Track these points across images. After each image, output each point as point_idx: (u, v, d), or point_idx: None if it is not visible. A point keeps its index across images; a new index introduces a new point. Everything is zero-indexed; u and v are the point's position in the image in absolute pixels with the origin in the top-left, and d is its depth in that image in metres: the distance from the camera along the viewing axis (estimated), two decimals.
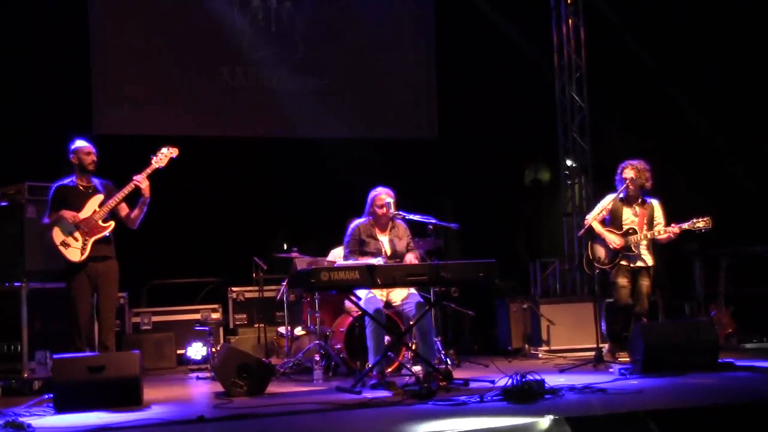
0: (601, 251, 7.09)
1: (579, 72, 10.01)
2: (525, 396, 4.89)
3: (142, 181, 6.16)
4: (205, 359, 7.95)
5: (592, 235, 7.10)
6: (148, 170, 6.22)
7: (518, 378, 5.00)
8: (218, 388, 6.13)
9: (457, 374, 6.12)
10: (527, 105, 10.16)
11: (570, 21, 10.03)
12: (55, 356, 5.57)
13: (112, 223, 6.20)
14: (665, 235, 6.85)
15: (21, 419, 4.83)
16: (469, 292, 7.93)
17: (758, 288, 8.40)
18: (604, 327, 7.62)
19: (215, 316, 8.58)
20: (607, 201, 7.09)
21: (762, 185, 8.83)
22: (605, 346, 7.17)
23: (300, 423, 4.73)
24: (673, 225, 6.85)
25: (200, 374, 7.46)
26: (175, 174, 6.50)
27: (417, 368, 6.23)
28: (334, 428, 4.62)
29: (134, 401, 5.39)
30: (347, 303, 6.68)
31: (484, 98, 10.13)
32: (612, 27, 9.84)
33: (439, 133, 10.46)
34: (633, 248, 6.96)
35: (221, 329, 8.57)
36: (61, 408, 5.28)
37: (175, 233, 9.02)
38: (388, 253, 6.44)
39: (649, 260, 6.99)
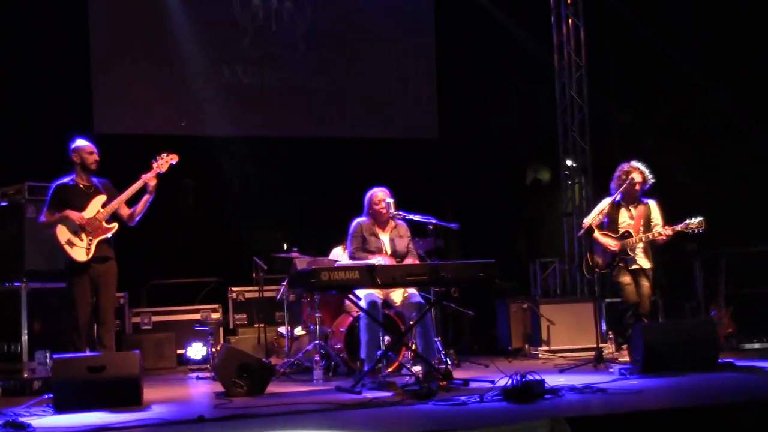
0: (598, 256, 7.09)
1: (579, 72, 10.02)
2: (525, 396, 4.89)
3: (151, 179, 6.17)
4: (205, 359, 7.95)
5: (590, 240, 7.10)
6: (154, 172, 6.23)
7: (518, 378, 5.00)
8: (218, 388, 6.13)
9: (457, 374, 6.12)
10: (527, 105, 10.16)
11: (570, 21, 10.03)
12: (55, 356, 5.57)
13: (115, 225, 6.22)
14: (660, 237, 6.84)
15: (21, 419, 4.82)
16: (469, 292, 7.93)
17: (758, 288, 8.39)
18: (604, 327, 7.64)
19: (215, 316, 8.57)
20: (604, 204, 7.07)
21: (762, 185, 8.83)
22: (605, 346, 7.17)
23: (300, 423, 4.72)
24: (666, 227, 6.85)
25: (200, 374, 7.46)
26: (176, 173, 6.50)
27: (417, 368, 6.22)
28: (334, 428, 4.62)
29: (134, 401, 5.39)
30: (347, 303, 6.68)
31: (484, 98, 10.14)
32: (612, 26, 9.85)
33: (440, 133, 10.47)
34: (629, 251, 6.95)
35: (221, 329, 8.57)
36: (61, 408, 5.28)
37: (175, 233, 9.02)
38: (389, 252, 6.44)
39: (646, 263, 6.97)
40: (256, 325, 8.42)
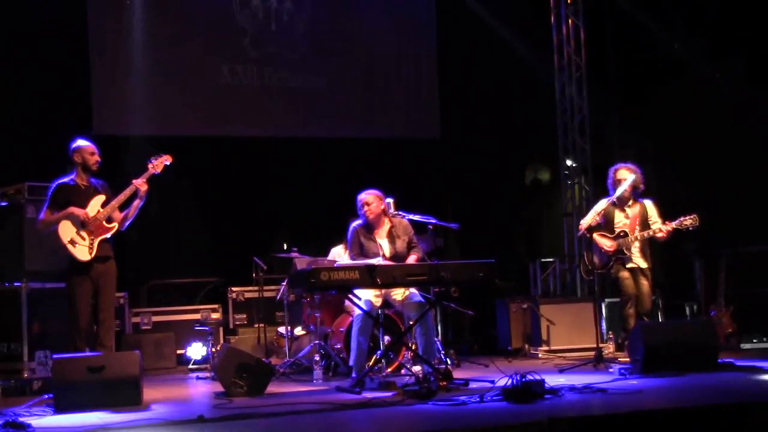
0: (596, 256, 7.11)
1: (579, 72, 10.02)
2: (525, 396, 4.89)
3: (142, 184, 6.16)
4: (205, 359, 7.95)
5: (588, 241, 7.12)
6: (146, 175, 6.22)
7: (518, 378, 5.00)
8: (218, 388, 6.13)
9: (457, 374, 6.12)
10: (527, 105, 10.16)
11: (570, 21, 10.03)
12: (55, 356, 5.57)
13: (115, 225, 6.21)
14: (659, 235, 6.84)
15: (21, 419, 4.82)
16: (469, 292, 7.92)
17: (758, 288, 8.39)
18: (603, 327, 7.64)
19: (215, 316, 8.58)
20: (600, 205, 7.06)
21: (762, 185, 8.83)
22: (605, 346, 7.17)
23: (300, 423, 4.73)
24: (664, 223, 6.85)
25: (200, 374, 7.46)
26: (175, 174, 6.50)
27: (417, 368, 6.23)
28: (334, 428, 4.62)
29: (134, 401, 5.39)
30: (347, 303, 6.68)
31: (483, 98, 10.13)
32: (612, 26, 9.86)
33: (441, 132, 10.46)
34: (625, 251, 6.96)
35: (221, 329, 8.57)
36: (60, 408, 5.28)
37: (175, 233, 9.02)
38: (387, 254, 6.43)
39: (643, 263, 6.97)
40: (256, 325, 8.42)
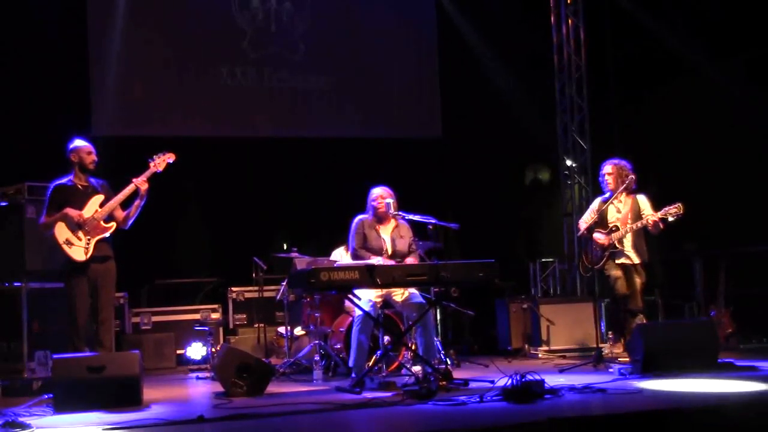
0: (591, 253, 7.17)
1: (579, 72, 10.02)
2: (525, 396, 4.89)
3: (142, 183, 6.16)
4: (204, 359, 7.95)
5: (586, 239, 7.18)
6: (147, 173, 6.22)
7: (518, 378, 5.00)
8: (218, 388, 6.13)
9: (457, 374, 6.12)
10: (527, 105, 10.16)
11: (570, 21, 10.04)
12: (54, 356, 5.57)
13: (113, 224, 6.20)
14: (649, 226, 6.86)
15: (21, 419, 4.82)
16: (469, 292, 7.93)
17: (758, 288, 8.39)
18: (603, 327, 7.64)
19: (215, 316, 8.58)
20: (595, 204, 7.21)
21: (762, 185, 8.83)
22: (605, 346, 7.18)
23: (300, 423, 4.73)
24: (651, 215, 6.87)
25: (200, 374, 7.46)
26: (175, 174, 6.50)
27: (417, 368, 6.23)
28: (334, 428, 4.62)
29: (134, 401, 5.39)
30: (347, 303, 6.68)
31: (483, 98, 10.13)
32: (612, 26, 9.85)
33: (442, 132, 10.46)
34: (617, 244, 7.00)
35: (221, 329, 8.57)
36: (60, 408, 5.28)
37: (175, 233, 9.02)
38: (389, 251, 6.44)
39: (635, 257, 7.01)
40: (256, 325, 8.43)
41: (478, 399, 5.01)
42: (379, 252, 6.39)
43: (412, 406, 4.98)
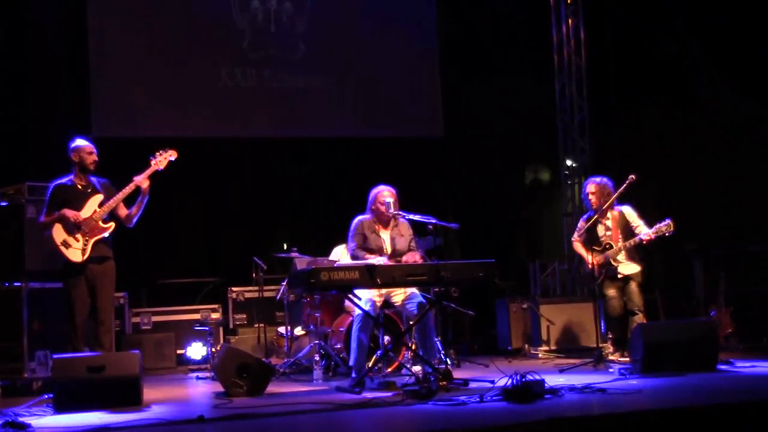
0: (588, 269, 7.22)
1: (579, 72, 10.01)
2: (525, 396, 4.89)
3: (143, 181, 6.16)
4: (204, 359, 7.95)
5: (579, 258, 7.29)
6: (148, 171, 6.21)
7: (518, 378, 5.00)
8: (218, 388, 6.13)
9: (457, 374, 6.12)
10: (527, 105, 10.15)
11: (570, 21, 10.03)
12: (54, 356, 5.57)
13: (112, 224, 6.20)
14: (644, 242, 6.90)
15: (21, 419, 4.82)
16: (469, 292, 7.93)
17: (758, 288, 8.39)
18: (604, 327, 7.65)
19: (215, 316, 8.58)
20: (581, 223, 7.31)
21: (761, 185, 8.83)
22: (605, 346, 7.19)
23: (300, 423, 4.73)
24: (645, 234, 6.88)
25: (200, 374, 7.46)
26: (176, 174, 6.50)
27: (417, 368, 6.23)
28: (334, 428, 4.62)
29: (134, 401, 5.39)
30: (347, 303, 6.68)
31: (483, 98, 10.13)
32: (612, 26, 9.85)
33: (443, 132, 10.45)
34: (612, 261, 7.05)
35: (221, 329, 8.57)
36: (60, 408, 5.28)
37: (175, 233, 9.03)
38: (389, 250, 6.44)
39: (631, 268, 7.06)
40: (256, 325, 8.42)
41: (478, 399, 5.01)
42: (379, 252, 6.39)
43: (412, 406, 4.98)
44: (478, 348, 8.89)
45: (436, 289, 6.34)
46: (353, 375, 6.07)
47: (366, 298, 6.17)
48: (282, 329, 7.86)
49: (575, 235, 7.36)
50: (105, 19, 9.35)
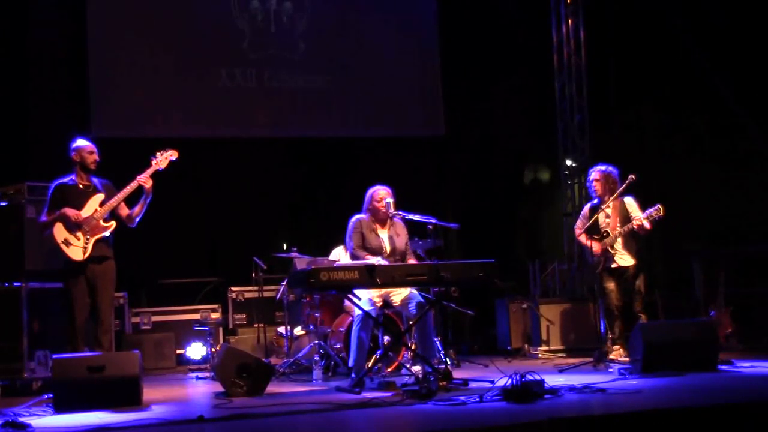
0: (589, 257, 7.24)
1: (579, 72, 10.01)
2: (524, 396, 4.89)
3: (146, 180, 6.16)
4: (204, 359, 7.95)
5: (581, 246, 7.29)
6: (150, 171, 6.22)
7: (518, 378, 5.00)
8: (218, 388, 6.13)
9: (457, 374, 6.11)
10: (527, 105, 10.15)
11: (570, 21, 10.03)
12: (54, 356, 5.57)
13: (113, 223, 6.20)
14: (635, 227, 6.91)
15: (21, 419, 4.82)
16: (469, 292, 7.93)
17: (758, 288, 8.39)
18: (603, 327, 7.65)
19: (215, 316, 8.58)
20: (585, 210, 7.34)
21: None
22: (606, 346, 7.19)
23: (300, 423, 4.73)
24: (637, 219, 6.91)
25: (200, 374, 7.46)
26: (176, 174, 6.50)
27: (417, 368, 6.23)
28: (333, 428, 4.62)
29: (134, 401, 5.39)
30: (347, 303, 6.68)
31: (483, 98, 10.13)
32: (612, 26, 9.85)
33: (444, 131, 10.45)
34: (610, 249, 7.07)
35: (221, 329, 8.57)
36: (60, 408, 5.28)
37: (175, 233, 9.02)
38: (388, 250, 6.44)
39: (628, 260, 7.07)
40: (256, 325, 8.43)
41: (477, 399, 5.01)
42: (378, 251, 6.39)
43: (412, 406, 4.98)
44: (478, 348, 8.89)
45: (436, 289, 6.34)
46: (353, 375, 6.07)
47: (365, 298, 6.18)
48: (282, 329, 7.85)
49: (578, 223, 7.36)
50: (105, 19, 9.34)
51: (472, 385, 5.74)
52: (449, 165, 10.36)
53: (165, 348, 8.12)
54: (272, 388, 6.03)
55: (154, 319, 8.46)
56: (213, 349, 7.48)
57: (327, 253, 7.58)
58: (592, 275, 7.30)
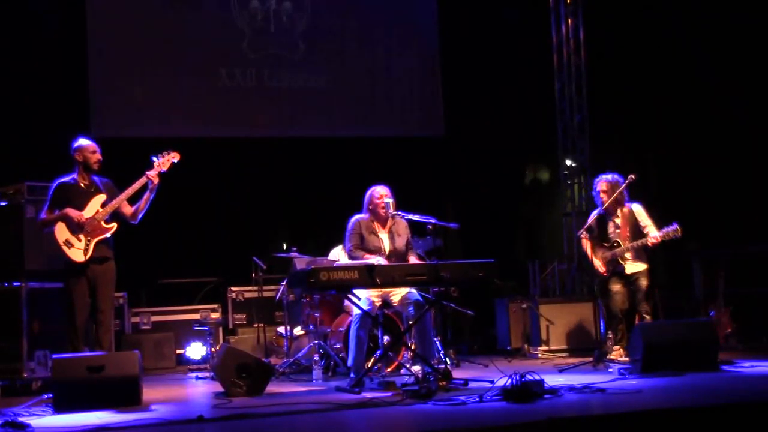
0: (597, 263, 7.19)
1: (578, 72, 10.01)
2: (524, 396, 4.89)
3: (154, 177, 6.16)
4: (204, 359, 7.95)
5: (592, 245, 7.23)
6: (155, 170, 6.21)
7: (517, 378, 5.00)
8: (218, 388, 6.13)
9: (457, 374, 6.11)
10: (527, 105, 10.15)
11: (570, 21, 10.03)
12: (54, 356, 5.57)
13: (114, 225, 6.20)
14: (650, 245, 6.90)
15: (20, 419, 4.82)
16: (469, 292, 7.93)
17: (758, 288, 8.40)
18: (603, 327, 7.66)
19: (215, 316, 8.58)
20: (591, 218, 7.25)
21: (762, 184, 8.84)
22: (606, 346, 7.19)
23: (299, 423, 4.73)
24: (652, 237, 6.89)
25: (199, 374, 7.46)
26: (176, 174, 6.49)
27: (416, 368, 6.22)
28: (333, 428, 4.62)
29: (134, 401, 5.39)
30: (346, 302, 6.68)
31: (483, 98, 10.13)
32: (612, 26, 9.85)
33: (444, 131, 10.44)
34: (620, 260, 7.05)
35: (220, 329, 8.57)
36: (60, 408, 5.28)
37: (175, 233, 9.03)
38: (387, 250, 6.43)
39: (637, 267, 7.05)
40: (256, 325, 8.43)
41: (477, 399, 5.01)
42: (377, 251, 6.38)
43: (412, 406, 4.98)
44: (478, 348, 8.88)
45: (436, 289, 6.34)
46: (352, 375, 6.07)
47: (364, 297, 6.17)
48: (281, 329, 7.86)
49: (582, 232, 7.28)
50: (105, 19, 9.34)
51: (472, 385, 5.74)
52: (449, 165, 10.36)
53: (165, 348, 8.13)
54: (272, 388, 6.03)
55: (154, 319, 8.46)
56: (213, 349, 7.48)
57: (327, 253, 7.59)
58: (597, 276, 7.26)
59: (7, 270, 6.73)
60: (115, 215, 6.22)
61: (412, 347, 6.41)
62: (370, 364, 6.22)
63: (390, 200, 6.42)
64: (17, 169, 7.26)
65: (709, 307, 8.35)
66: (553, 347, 8.20)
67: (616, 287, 7.09)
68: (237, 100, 9.78)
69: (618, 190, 7.06)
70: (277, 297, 7.88)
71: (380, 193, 6.47)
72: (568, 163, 10.08)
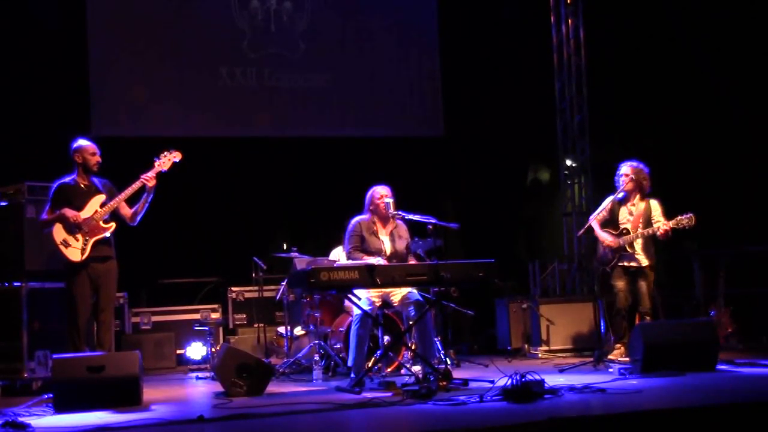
0: (602, 251, 7.15)
1: (578, 72, 10.01)
2: (524, 396, 4.89)
3: (151, 179, 6.16)
4: (204, 359, 7.95)
5: (592, 237, 7.19)
6: (154, 171, 6.22)
7: (518, 378, 5.00)
8: (218, 388, 6.13)
9: (457, 374, 6.11)
10: (527, 105, 10.15)
11: (570, 21, 10.03)
12: (54, 356, 5.57)
13: (113, 225, 6.20)
14: (660, 233, 6.87)
15: (21, 419, 4.82)
16: (469, 292, 7.93)
17: (758, 288, 8.40)
18: (603, 327, 7.65)
19: (215, 316, 8.57)
20: (607, 202, 7.18)
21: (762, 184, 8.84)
22: (606, 346, 7.19)
23: (300, 423, 4.73)
24: (664, 223, 6.87)
25: (200, 374, 7.46)
26: (176, 174, 6.50)
27: (416, 368, 6.23)
28: (333, 428, 4.62)
29: (134, 401, 5.40)
30: (347, 303, 6.68)
31: (483, 98, 10.13)
32: (612, 26, 9.85)
33: (443, 131, 10.44)
34: (627, 248, 7.01)
35: (221, 329, 8.57)
36: (60, 408, 5.29)
37: (175, 233, 9.03)
38: (388, 252, 6.44)
39: (644, 260, 7.03)
40: (256, 325, 8.42)
41: (477, 399, 5.01)
42: (377, 253, 6.39)
43: (412, 406, 4.98)
44: (478, 348, 8.88)
45: (436, 289, 6.35)
46: (352, 374, 6.07)
47: (364, 298, 6.17)
48: (282, 329, 7.86)
49: (594, 214, 7.23)
50: (105, 19, 9.34)
51: (472, 385, 5.75)
52: (449, 165, 10.36)
53: (165, 348, 8.12)
54: (272, 388, 6.04)
55: (154, 319, 8.46)
56: (213, 349, 7.48)
57: (327, 253, 7.59)
58: (602, 269, 7.23)
59: (8, 270, 6.73)
60: (115, 216, 6.23)
61: (413, 347, 6.41)
62: (370, 364, 6.23)
63: (390, 200, 6.43)
64: (17, 169, 7.27)
65: (709, 307, 8.35)
66: (553, 347, 8.19)
67: (620, 284, 7.06)
68: (237, 100, 9.78)
69: (642, 176, 7.03)
70: (278, 297, 7.88)
71: (381, 192, 6.48)
72: (569, 163, 10.08)
